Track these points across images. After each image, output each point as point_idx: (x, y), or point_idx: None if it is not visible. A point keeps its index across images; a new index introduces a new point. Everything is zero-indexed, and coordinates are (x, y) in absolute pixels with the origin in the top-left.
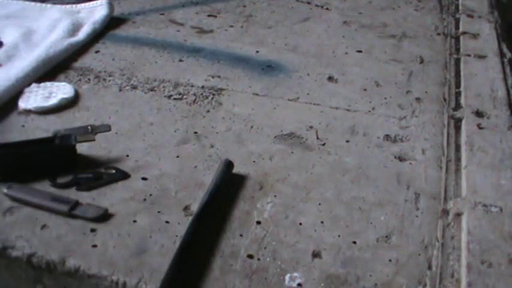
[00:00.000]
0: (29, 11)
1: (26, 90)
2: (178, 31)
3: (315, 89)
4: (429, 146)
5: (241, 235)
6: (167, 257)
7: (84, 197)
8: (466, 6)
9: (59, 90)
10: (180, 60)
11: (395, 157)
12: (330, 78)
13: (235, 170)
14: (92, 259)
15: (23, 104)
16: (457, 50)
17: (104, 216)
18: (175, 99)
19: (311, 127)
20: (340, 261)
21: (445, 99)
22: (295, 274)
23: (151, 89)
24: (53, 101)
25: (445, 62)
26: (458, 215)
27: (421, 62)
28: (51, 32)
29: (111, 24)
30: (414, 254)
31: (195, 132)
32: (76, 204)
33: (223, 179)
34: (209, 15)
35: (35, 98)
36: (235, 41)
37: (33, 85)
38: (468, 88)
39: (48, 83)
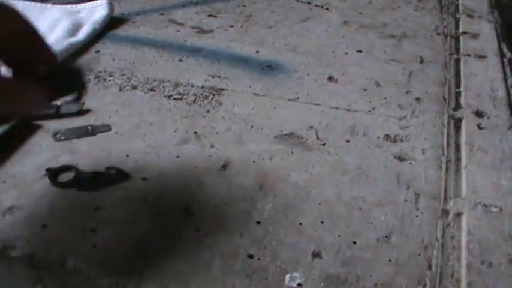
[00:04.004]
0: (29, 11)
1: None
2: (178, 31)
3: (315, 89)
4: (429, 146)
5: (241, 235)
6: (167, 257)
7: (84, 196)
8: (466, 6)
9: None
10: (180, 60)
11: (395, 157)
12: (330, 78)
13: (234, 170)
14: (92, 259)
15: None
16: (457, 50)
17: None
18: (175, 99)
19: (311, 127)
20: (340, 261)
21: (445, 99)
22: (295, 274)
23: (151, 89)
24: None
25: (445, 62)
26: (458, 215)
27: (421, 62)
28: (51, 32)
29: (111, 24)
30: (414, 254)
31: (195, 132)
32: (58, 107)
33: None
34: (209, 15)
35: None
36: (235, 41)
37: None
38: (468, 88)
39: None
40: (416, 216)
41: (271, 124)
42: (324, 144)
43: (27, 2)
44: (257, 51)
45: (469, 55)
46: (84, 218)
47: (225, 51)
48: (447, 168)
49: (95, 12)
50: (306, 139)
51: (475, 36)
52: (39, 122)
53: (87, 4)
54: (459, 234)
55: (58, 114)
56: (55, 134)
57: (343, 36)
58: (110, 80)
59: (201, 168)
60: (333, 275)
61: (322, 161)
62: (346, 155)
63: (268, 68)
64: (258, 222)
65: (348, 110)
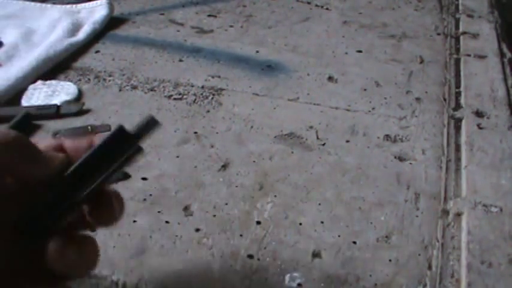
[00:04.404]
0: (29, 11)
1: (31, 86)
2: (178, 31)
3: (315, 89)
4: (429, 146)
5: (241, 235)
6: (167, 257)
7: None
8: (466, 6)
9: (63, 90)
10: (180, 60)
11: (395, 157)
12: (330, 78)
13: (234, 170)
14: None
15: (25, 102)
16: (457, 50)
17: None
18: (175, 99)
19: (311, 127)
20: (340, 261)
21: (445, 99)
22: (295, 274)
23: (151, 89)
24: (54, 101)
25: (445, 62)
26: (458, 215)
27: (421, 62)
28: (51, 32)
29: (111, 24)
30: (414, 254)
31: (195, 132)
32: (58, 107)
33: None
34: (209, 15)
35: (38, 96)
36: (235, 41)
37: (39, 82)
38: (468, 88)
39: (54, 81)
40: (416, 216)
41: (271, 124)
42: (324, 144)
43: (27, 2)
44: (257, 51)
45: (469, 55)
46: None
47: (225, 51)
48: (447, 168)
49: (95, 12)
50: (306, 139)
51: (475, 36)
52: (39, 122)
53: (87, 4)
54: (459, 234)
55: (58, 114)
56: (55, 134)
57: (343, 36)
58: (110, 80)
59: (201, 168)
60: (333, 275)
61: (322, 161)
62: (346, 155)
63: (268, 68)
64: (258, 222)
65: (348, 110)
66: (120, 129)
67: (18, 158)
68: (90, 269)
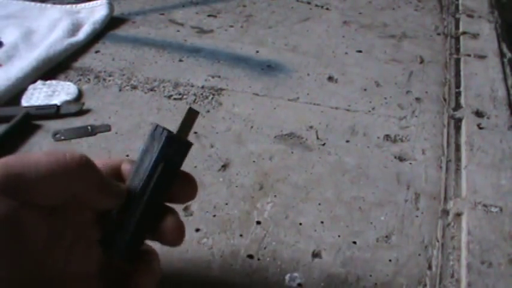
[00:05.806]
0: (29, 11)
1: (31, 86)
2: (178, 31)
3: (315, 89)
4: (429, 146)
5: (241, 235)
6: (167, 256)
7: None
8: (466, 6)
9: (63, 90)
10: (180, 60)
11: (395, 157)
12: (330, 78)
13: (234, 170)
14: None
15: (25, 102)
16: (457, 50)
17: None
18: (175, 99)
19: (311, 127)
20: (340, 261)
21: (445, 99)
22: (295, 274)
23: (151, 89)
24: (54, 101)
25: (445, 62)
26: (458, 215)
27: (421, 62)
28: (51, 32)
29: (111, 24)
30: (414, 254)
31: (195, 132)
32: (58, 107)
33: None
34: (209, 15)
35: (38, 96)
36: (235, 41)
37: (39, 82)
38: (468, 88)
39: (54, 81)
40: (416, 216)
41: (271, 124)
42: (324, 144)
43: (27, 2)
44: (257, 51)
45: (469, 55)
46: None
47: (225, 51)
48: (447, 168)
49: (94, 12)
50: (306, 139)
51: (475, 36)
52: (39, 122)
53: (87, 4)
54: (459, 234)
55: (58, 114)
56: (55, 134)
57: (343, 36)
58: (110, 80)
59: (201, 168)
60: (333, 275)
61: (322, 161)
62: (346, 155)
63: (268, 68)
64: (258, 222)
65: (348, 110)
66: (158, 128)
67: (92, 189)
68: (154, 285)
